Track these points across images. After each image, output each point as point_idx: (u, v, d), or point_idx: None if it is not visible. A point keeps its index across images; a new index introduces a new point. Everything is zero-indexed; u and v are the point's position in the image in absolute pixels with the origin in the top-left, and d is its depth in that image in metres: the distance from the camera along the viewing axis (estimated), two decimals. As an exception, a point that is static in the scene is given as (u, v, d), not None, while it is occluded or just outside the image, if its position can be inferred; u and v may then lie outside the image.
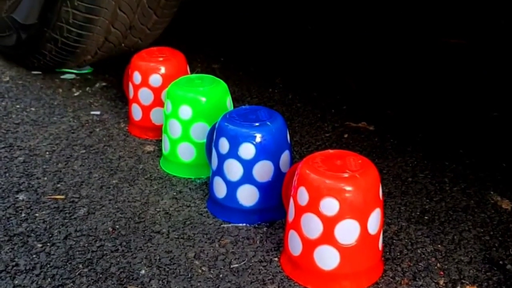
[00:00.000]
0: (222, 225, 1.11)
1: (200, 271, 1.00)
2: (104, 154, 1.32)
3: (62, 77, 1.70)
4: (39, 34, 1.59)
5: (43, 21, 1.56)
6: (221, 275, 0.99)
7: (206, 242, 1.07)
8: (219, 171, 1.12)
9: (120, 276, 0.98)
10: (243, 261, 1.03)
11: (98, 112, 1.48)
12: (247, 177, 1.10)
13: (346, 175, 0.95)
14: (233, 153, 1.09)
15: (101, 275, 0.98)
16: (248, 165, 1.09)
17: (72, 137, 1.38)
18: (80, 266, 1.00)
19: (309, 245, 0.96)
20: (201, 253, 1.04)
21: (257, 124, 1.10)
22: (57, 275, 0.98)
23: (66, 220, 1.11)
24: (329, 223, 0.94)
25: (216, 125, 1.13)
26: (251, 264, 1.02)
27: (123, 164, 1.29)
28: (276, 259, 1.03)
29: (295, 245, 0.98)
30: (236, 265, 1.02)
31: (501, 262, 1.04)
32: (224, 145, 1.10)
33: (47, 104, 1.53)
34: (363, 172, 0.96)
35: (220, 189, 1.13)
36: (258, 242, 1.07)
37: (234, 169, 1.10)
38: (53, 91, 1.61)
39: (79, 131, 1.41)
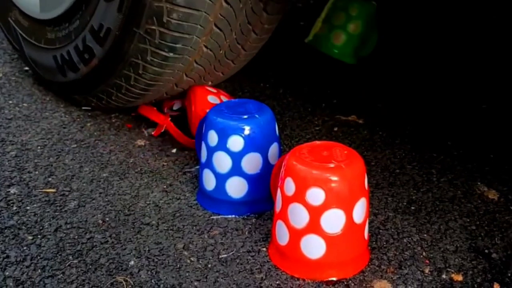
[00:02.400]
0: (211, 217, 1.12)
1: (189, 261, 1.01)
2: (95, 148, 1.33)
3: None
4: (106, 69, 1.31)
5: (114, 55, 1.27)
6: (209, 265, 1.00)
7: (195, 234, 1.08)
8: (208, 164, 1.13)
9: (110, 267, 0.99)
10: (232, 251, 1.04)
11: (89, 108, 1.49)
12: (236, 169, 1.11)
13: (331, 165, 0.96)
14: (222, 145, 1.10)
15: (90, 266, 0.99)
16: (236, 157, 1.10)
17: (64, 132, 1.39)
18: (70, 257, 1.01)
19: (296, 235, 0.97)
20: (190, 244, 1.05)
21: (245, 116, 1.11)
22: (47, 267, 0.99)
23: (56, 213, 1.12)
24: (315, 212, 0.95)
25: (205, 118, 1.15)
26: (239, 254, 1.03)
27: (114, 158, 1.30)
28: (264, 249, 1.04)
29: (282, 235, 1.00)
30: (225, 255, 1.03)
31: (486, 251, 1.05)
32: (213, 137, 1.11)
33: (39, 100, 1.54)
34: (348, 163, 0.97)
35: (209, 181, 1.14)
36: (246, 233, 1.09)
37: (223, 161, 1.11)
38: (45, 87, 1.62)
39: (70, 126, 1.42)
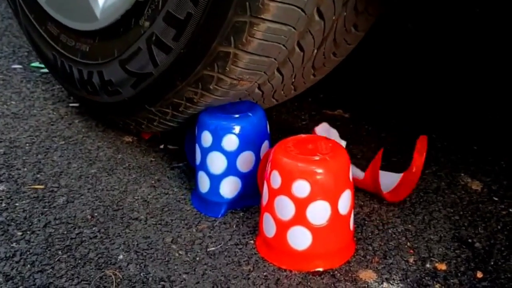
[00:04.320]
0: (199, 211, 1.14)
1: (177, 255, 1.02)
2: (83, 145, 1.34)
3: (42, 71, 1.71)
4: (157, 90, 1.15)
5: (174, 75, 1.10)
6: (197, 258, 1.02)
7: (183, 228, 1.09)
8: (203, 166, 1.13)
9: (99, 261, 1.00)
10: (220, 244, 1.05)
11: (77, 104, 1.50)
12: (231, 169, 1.11)
13: (317, 158, 0.98)
14: (216, 145, 1.10)
15: (79, 261, 1.00)
16: (232, 156, 1.10)
17: (52, 129, 1.40)
18: (59, 252, 1.02)
19: (283, 227, 0.99)
20: (178, 238, 1.06)
21: (237, 115, 1.11)
22: (37, 262, 1.00)
23: (45, 209, 1.13)
24: (301, 204, 0.97)
25: (197, 120, 1.14)
26: (227, 247, 1.04)
27: (102, 154, 1.31)
28: (251, 241, 1.06)
29: (269, 227, 1.01)
30: (213, 248, 1.04)
31: (469, 240, 1.07)
32: (206, 138, 1.11)
33: (27, 98, 1.55)
34: (333, 155, 0.99)
35: (203, 184, 1.14)
36: (234, 226, 1.10)
37: (217, 162, 1.11)
38: (33, 84, 1.63)
39: (58, 123, 1.43)
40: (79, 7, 1.21)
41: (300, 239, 0.98)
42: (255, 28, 0.97)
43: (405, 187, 1.18)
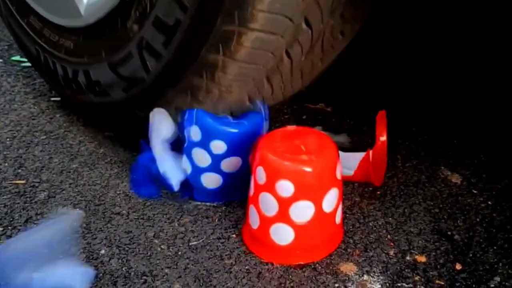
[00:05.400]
0: (182, 206, 1.14)
1: (159, 249, 1.03)
2: (64, 140, 1.33)
3: (23, 65, 1.69)
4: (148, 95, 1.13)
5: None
6: (180, 253, 1.02)
7: (165, 222, 1.09)
8: (188, 155, 1.11)
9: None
10: (202, 238, 1.06)
11: (58, 98, 1.49)
12: (214, 167, 1.10)
13: (303, 157, 0.97)
14: (204, 144, 1.09)
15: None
16: (217, 158, 1.10)
17: (33, 124, 1.39)
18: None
19: (266, 222, 1.00)
20: (160, 232, 1.07)
21: (233, 120, 1.10)
22: (18, 257, 1.00)
23: (26, 204, 1.12)
24: (284, 203, 0.97)
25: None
26: (209, 241, 1.05)
27: (83, 149, 1.30)
28: (234, 235, 1.06)
29: (254, 220, 1.02)
30: (195, 242, 1.05)
31: (449, 233, 1.08)
32: (196, 133, 1.09)
33: (8, 92, 1.53)
34: (320, 154, 0.98)
35: (187, 168, 1.12)
36: (216, 220, 1.10)
37: (202, 158, 1.10)
38: (14, 78, 1.61)
39: (39, 117, 1.42)
40: (63, 1, 1.20)
41: (282, 235, 0.99)
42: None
43: (378, 162, 1.17)
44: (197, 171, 1.12)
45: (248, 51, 1.00)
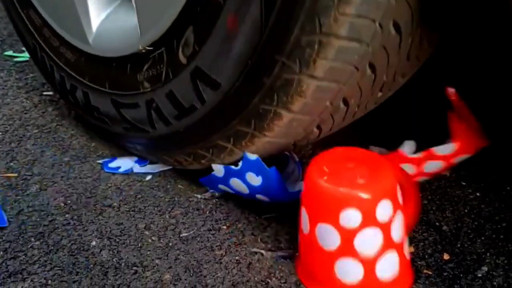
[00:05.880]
0: (173, 198, 1.15)
1: (150, 240, 1.04)
2: (56, 133, 1.34)
3: (16, 60, 1.70)
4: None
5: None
6: (170, 244, 1.03)
7: (156, 214, 1.10)
8: None
9: (71, 248, 1.01)
10: (192, 230, 1.06)
11: (51, 93, 1.49)
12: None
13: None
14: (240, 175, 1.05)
15: (52, 247, 1.01)
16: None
17: (25, 117, 1.40)
18: (32, 239, 1.03)
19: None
20: (151, 224, 1.07)
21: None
22: (10, 249, 1.00)
23: (18, 197, 1.13)
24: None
25: None
26: (200, 233, 1.06)
27: (75, 143, 1.31)
28: (224, 227, 1.07)
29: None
30: (186, 234, 1.05)
31: (437, 224, 1.09)
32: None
33: (0, 86, 1.54)
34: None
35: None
36: (207, 212, 1.11)
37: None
38: (7, 73, 1.62)
39: (32, 111, 1.42)
40: (70, 18, 1.10)
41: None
42: None
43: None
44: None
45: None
